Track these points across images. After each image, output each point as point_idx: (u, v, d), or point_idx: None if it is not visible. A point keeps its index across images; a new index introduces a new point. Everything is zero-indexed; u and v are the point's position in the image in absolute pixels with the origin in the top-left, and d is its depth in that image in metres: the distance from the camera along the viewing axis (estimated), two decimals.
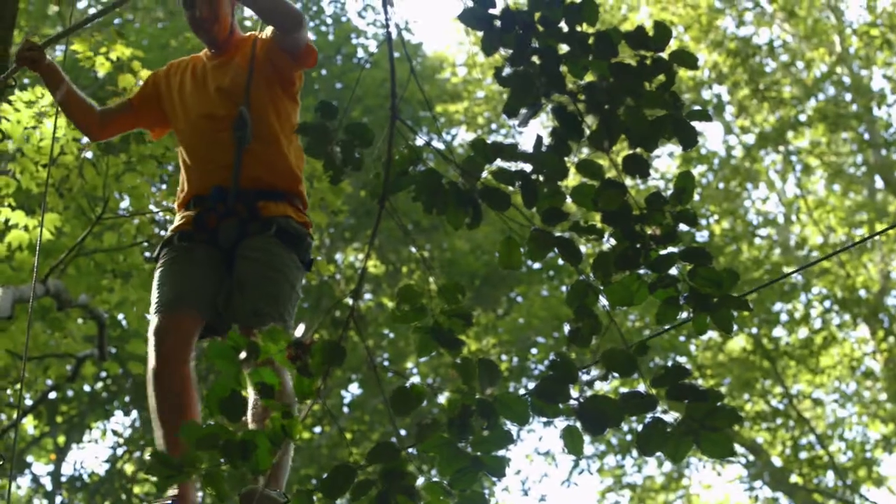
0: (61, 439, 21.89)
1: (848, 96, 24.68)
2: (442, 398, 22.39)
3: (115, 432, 22.45)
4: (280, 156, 5.72)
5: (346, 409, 21.89)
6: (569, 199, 3.39)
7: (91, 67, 9.93)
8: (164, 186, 13.09)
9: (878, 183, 25.15)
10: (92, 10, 19.40)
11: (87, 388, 20.82)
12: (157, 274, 5.65)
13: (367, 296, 22.57)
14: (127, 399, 21.45)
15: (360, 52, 23.05)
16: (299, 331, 3.35)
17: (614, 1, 24.82)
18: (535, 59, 3.39)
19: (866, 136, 24.67)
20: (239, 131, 5.65)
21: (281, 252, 5.56)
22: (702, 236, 22.88)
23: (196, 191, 5.75)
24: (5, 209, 10.38)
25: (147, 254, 11.99)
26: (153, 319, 5.48)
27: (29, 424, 20.37)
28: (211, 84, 5.84)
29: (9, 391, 14.79)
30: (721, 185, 24.92)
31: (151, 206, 11.25)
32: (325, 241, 21.79)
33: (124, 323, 16.54)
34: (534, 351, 22.21)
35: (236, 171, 5.63)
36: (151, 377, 5.34)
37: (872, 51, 24.59)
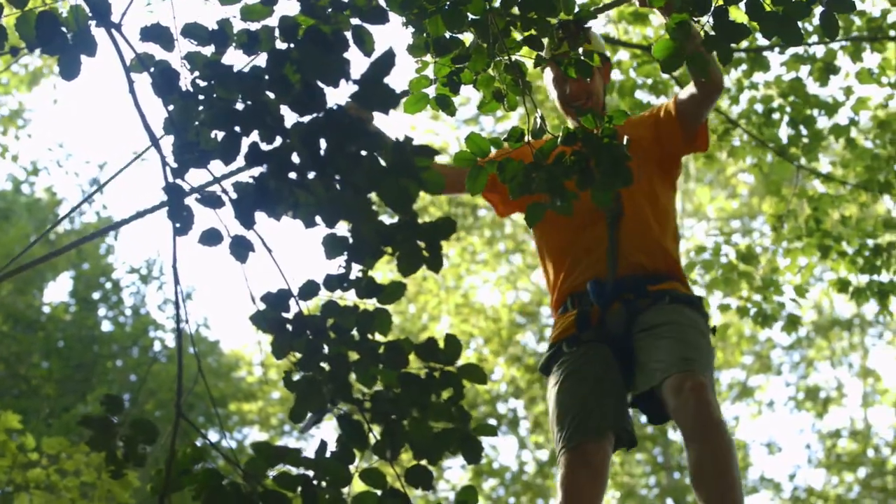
0: None
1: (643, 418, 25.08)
2: None
3: None
4: (653, 242, 5.38)
5: None
6: None
7: None
8: None
9: None
10: None
11: None
12: (551, 397, 5.22)
13: None
14: None
15: (157, 346, 23.05)
16: None
17: (415, 311, 25.15)
18: (324, 365, 3.40)
19: (660, 458, 25.06)
20: (613, 223, 5.30)
21: (685, 310, 5.20)
22: None
23: (570, 289, 5.38)
24: None
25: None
26: (559, 458, 5.03)
27: None
28: None
29: None
30: (511, 501, 24.95)
31: None
32: None
33: None
34: None
35: (613, 261, 5.27)
36: None
37: None
